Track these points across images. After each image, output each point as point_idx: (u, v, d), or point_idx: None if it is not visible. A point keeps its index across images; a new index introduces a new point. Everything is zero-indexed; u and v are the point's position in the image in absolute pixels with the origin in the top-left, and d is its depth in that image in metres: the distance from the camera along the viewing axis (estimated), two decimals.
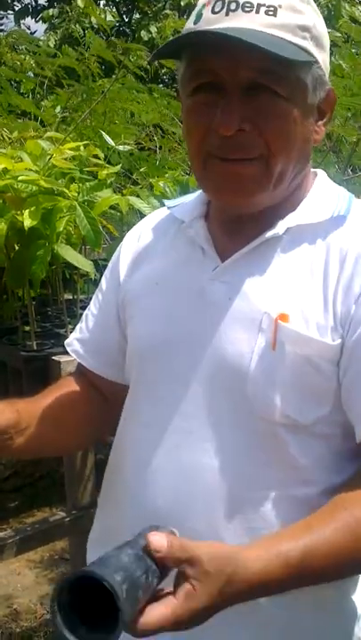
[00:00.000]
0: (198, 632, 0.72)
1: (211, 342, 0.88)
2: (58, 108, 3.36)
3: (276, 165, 0.84)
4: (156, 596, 0.70)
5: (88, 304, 2.04)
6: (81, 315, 1.93)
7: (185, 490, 0.87)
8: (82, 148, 1.87)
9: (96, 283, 2.25)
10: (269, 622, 0.87)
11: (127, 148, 1.99)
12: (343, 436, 0.87)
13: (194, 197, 1.01)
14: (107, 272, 1.11)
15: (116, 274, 1.06)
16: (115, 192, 1.81)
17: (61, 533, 2.16)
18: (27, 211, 1.64)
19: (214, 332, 0.88)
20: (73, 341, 1.11)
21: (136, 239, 1.06)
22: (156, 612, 0.67)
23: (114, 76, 2.89)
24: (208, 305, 0.90)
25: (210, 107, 0.83)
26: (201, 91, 0.84)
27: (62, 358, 1.71)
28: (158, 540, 0.69)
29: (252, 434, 0.86)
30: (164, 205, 1.08)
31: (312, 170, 0.96)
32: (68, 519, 2.08)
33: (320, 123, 0.89)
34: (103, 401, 1.10)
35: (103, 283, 1.10)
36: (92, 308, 1.11)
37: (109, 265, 1.11)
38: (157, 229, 1.05)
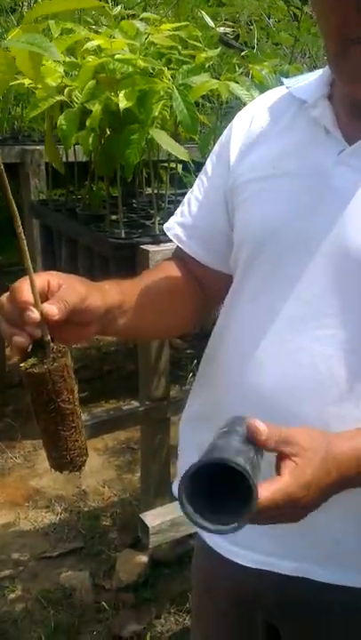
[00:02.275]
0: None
1: (334, 228, 0.84)
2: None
3: None
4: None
5: (173, 199, 2.03)
6: (167, 209, 1.92)
7: (294, 375, 0.86)
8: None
9: (180, 179, 2.23)
10: None
11: (228, 30, 1.88)
12: None
13: (316, 77, 0.94)
14: (212, 155, 1.05)
15: (225, 155, 1.01)
16: None
17: (134, 422, 2.24)
18: (122, 92, 1.58)
19: (339, 217, 0.84)
20: (173, 225, 1.08)
21: (249, 119, 1.00)
22: (268, 492, 0.67)
23: None
24: (333, 190, 0.85)
25: None
26: None
27: (150, 248, 1.71)
28: (260, 424, 0.70)
29: None
30: (262, 93, 1.02)
31: None
32: (141, 409, 2.15)
33: None
34: (201, 290, 1.07)
35: (209, 166, 1.05)
36: (196, 191, 1.06)
37: (216, 147, 1.05)
38: (274, 109, 0.98)
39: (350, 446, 0.76)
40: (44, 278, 0.79)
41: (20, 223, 0.72)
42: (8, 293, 0.78)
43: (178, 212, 1.09)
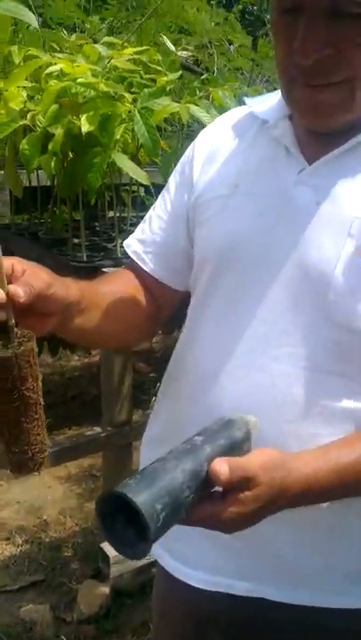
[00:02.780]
0: None
1: (295, 248, 0.84)
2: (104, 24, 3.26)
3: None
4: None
5: (135, 222, 2.03)
6: (130, 231, 1.92)
7: (254, 395, 0.85)
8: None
9: (142, 202, 2.23)
10: (313, 524, 0.86)
11: (188, 54, 1.90)
12: None
13: (277, 97, 0.94)
14: (175, 173, 1.05)
15: (188, 173, 1.01)
16: None
17: (96, 448, 2.20)
18: (84, 116, 1.58)
19: (299, 237, 0.84)
20: (133, 241, 1.06)
21: (212, 137, 1.01)
22: (201, 512, 0.70)
23: None
24: (293, 209, 0.86)
25: (292, 29, 0.77)
26: (284, 11, 0.78)
27: (112, 270, 1.70)
28: (221, 470, 0.70)
29: (329, 342, 0.83)
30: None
31: None
32: (103, 435, 2.12)
33: None
34: (154, 305, 1.06)
35: (171, 183, 1.05)
36: (158, 209, 1.06)
37: (178, 165, 1.05)
38: (236, 128, 0.99)
39: (304, 477, 0.76)
40: (8, 262, 0.74)
41: None
42: None
43: (138, 229, 1.08)
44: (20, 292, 0.71)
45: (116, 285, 1.02)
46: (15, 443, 0.73)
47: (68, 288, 0.83)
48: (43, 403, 0.75)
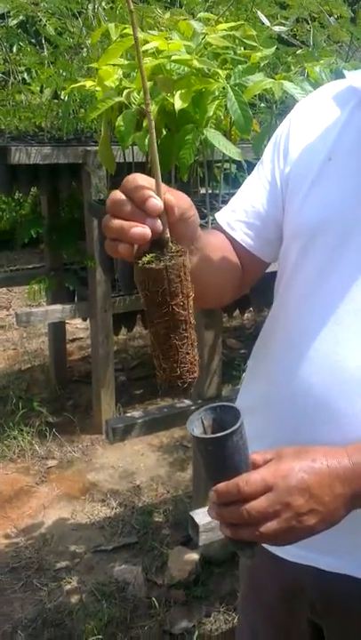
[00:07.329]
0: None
1: None
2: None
3: None
4: None
5: (227, 199, 2.03)
6: (221, 208, 1.92)
7: (341, 369, 0.86)
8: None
9: (235, 179, 2.22)
10: None
11: (283, 28, 1.87)
12: None
13: None
14: (270, 145, 1.05)
15: (283, 145, 1.00)
16: None
17: (187, 420, 2.25)
18: (178, 92, 1.59)
19: None
20: (224, 211, 1.06)
21: (309, 109, 1.00)
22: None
23: None
24: None
25: None
26: None
27: None
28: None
29: None
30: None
31: None
32: (193, 407, 2.16)
33: None
34: (240, 271, 1.04)
35: (266, 155, 1.04)
36: (251, 181, 1.05)
37: (273, 137, 1.04)
38: (334, 101, 0.98)
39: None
40: (152, 181, 0.71)
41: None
42: (121, 187, 0.70)
43: (231, 200, 1.07)
44: (173, 201, 0.70)
45: (218, 241, 1.01)
46: (165, 359, 0.72)
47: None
48: (194, 322, 0.73)
